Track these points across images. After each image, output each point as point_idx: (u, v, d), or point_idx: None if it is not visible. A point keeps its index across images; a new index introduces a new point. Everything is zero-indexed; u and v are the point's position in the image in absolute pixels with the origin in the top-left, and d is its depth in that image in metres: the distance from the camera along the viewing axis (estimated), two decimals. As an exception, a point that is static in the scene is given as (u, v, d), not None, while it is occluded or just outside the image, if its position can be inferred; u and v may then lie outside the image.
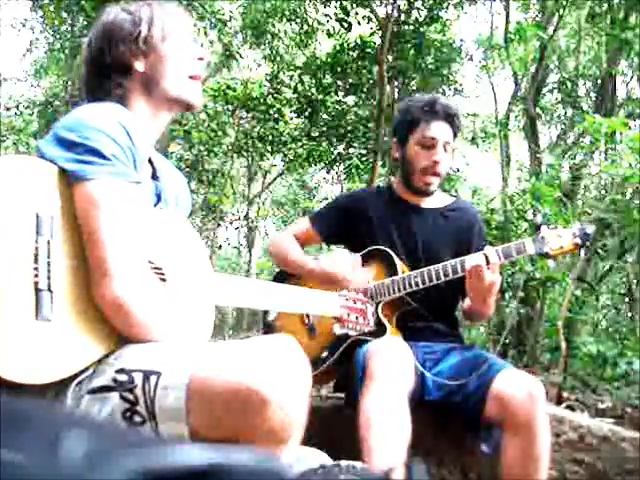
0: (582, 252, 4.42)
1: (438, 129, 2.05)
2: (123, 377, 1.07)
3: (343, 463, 0.96)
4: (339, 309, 1.63)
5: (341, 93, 7.54)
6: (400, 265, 2.01)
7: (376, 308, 1.98)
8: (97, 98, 1.34)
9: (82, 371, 1.09)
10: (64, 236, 1.14)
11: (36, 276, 1.07)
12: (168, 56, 1.37)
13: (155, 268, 1.25)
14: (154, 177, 1.40)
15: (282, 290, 1.51)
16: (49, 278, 1.08)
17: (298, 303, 1.55)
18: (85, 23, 5.70)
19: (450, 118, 2.07)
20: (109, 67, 1.35)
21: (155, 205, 1.37)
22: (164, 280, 1.26)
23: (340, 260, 2.06)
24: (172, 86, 1.37)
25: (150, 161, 1.41)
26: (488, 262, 1.82)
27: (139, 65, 1.36)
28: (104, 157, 1.16)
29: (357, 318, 1.66)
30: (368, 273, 2.02)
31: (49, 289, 1.08)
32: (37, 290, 1.07)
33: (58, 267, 1.11)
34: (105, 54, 1.36)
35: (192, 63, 1.40)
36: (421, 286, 1.94)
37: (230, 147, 8.24)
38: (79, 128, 1.18)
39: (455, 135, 2.11)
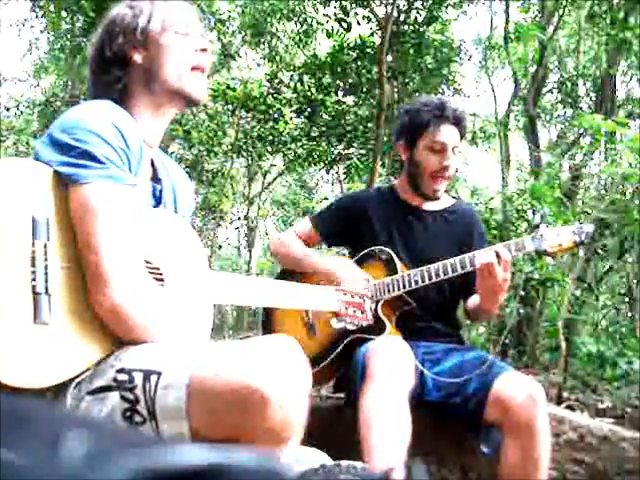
0: (582, 252, 4.43)
1: (448, 134, 2.05)
2: (123, 377, 1.07)
3: (343, 463, 0.96)
4: (337, 303, 1.63)
5: (341, 93, 7.53)
6: (400, 265, 2.01)
7: (376, 307, 1.98)
8: (97, 94, 1.33)
9: (81, 372, 1.09)
10: (60, 239, 1.13)
11: (33, 279, 1.07)
12: (167, 47, 1.34)
13: (152, 268, 1.24)
14: (154, 179, 1.39)
15: (279, 286, 1.52)
16: (46, 281, 1.08)
17: (295, 298, 1.55)
18: (85, 23, 5.68)
19: (459, 122, 2.07)
20: (108, 61, 1.33)
21: (154, 207, 1.36)
22: (162, 280, 1.25)
23: (340, 261, 2.07)
24: (172, 78, 1.34)
25: (152, 162, 1.39)
26: (499, 259, 1.81)
27: (137, 57, 1.34)
28: (98, 160, 1.15)
29: (355, 312, 1.66)
30: (365, 275, 2.03)
31: (47, 292, 1.07)
32: (35, 293, 1.06)
33: (55, 270, 1.10)
34: (105, 48, 1.34)
35: (194, 55, 1.37)
36: (420, 284, 1.94)
37: (230, 147, 8.23)
38: (73, 130, 1.17)
39: (461, 138, 2.11)
